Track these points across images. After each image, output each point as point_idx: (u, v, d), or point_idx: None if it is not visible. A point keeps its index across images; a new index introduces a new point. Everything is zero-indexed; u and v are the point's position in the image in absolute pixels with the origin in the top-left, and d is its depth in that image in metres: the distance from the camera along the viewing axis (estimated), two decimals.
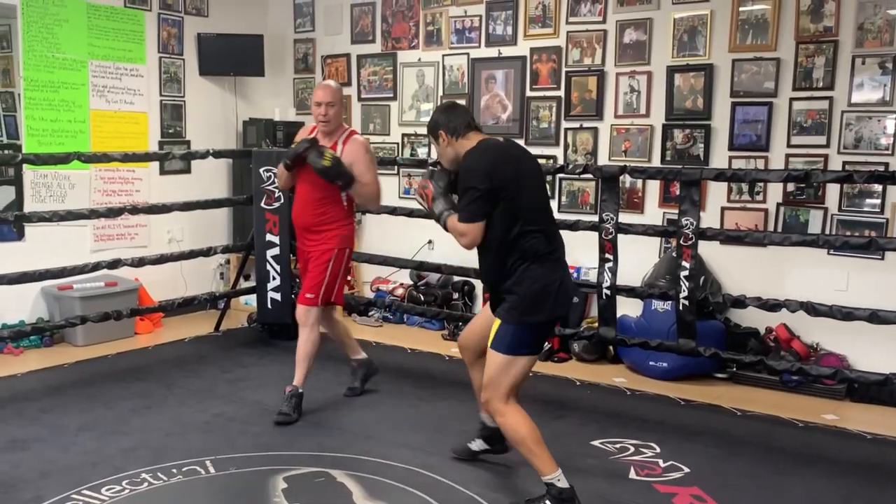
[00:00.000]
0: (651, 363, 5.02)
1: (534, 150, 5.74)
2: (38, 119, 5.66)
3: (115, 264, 5.09)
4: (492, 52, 6.04)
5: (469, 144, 3.20)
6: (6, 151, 5.57)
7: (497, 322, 3.14)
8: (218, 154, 5.86)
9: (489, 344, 3.17)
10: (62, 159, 4.81)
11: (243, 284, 6.18)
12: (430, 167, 3.38)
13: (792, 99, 4.98)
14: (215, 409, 4.37)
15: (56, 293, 5.52)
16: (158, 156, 5.96)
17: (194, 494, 3.41)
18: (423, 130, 6.30)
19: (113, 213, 5.18)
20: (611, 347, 5.33)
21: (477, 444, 3.71)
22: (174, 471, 3.52)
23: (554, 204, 5.67)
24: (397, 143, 6.55)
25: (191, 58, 6.54)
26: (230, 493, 3.45)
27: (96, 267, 5.00)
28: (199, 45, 6.54)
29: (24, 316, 5.53)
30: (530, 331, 3.14)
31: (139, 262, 5.26)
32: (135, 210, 5.36)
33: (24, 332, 4.96)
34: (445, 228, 3.23)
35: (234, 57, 6.58)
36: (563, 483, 3.11)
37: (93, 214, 5.15)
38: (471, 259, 5.49)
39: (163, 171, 6.38)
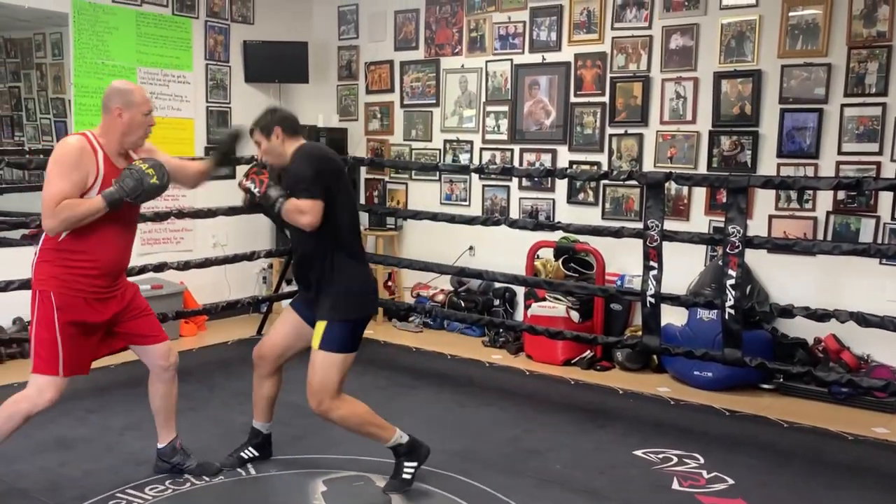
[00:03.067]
0: (696, 373, 4.94)
1: (577, 157, 5.84)
2: (88, 125, 5.75)
3: (161, 268, 5.15)
4: (535, 58, 6.01)
5: (298, 144, 3.33)
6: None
7: (323, 323, 3.21)
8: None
9: (316, 346, 3.22)
10: None
11: (285, 288, 6.22)
12: (258, 162, 3.38)
13: (843, 105, 4.87)
14: None
15: None
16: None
17: (235, 496, 3.43)
18: (466, 137, 6.34)
19: (160, 217, 5.26)
20: (654, 357, 5.25)
21: (248, 453, 3.67)
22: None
23: (597, 211, 5.71)
24: (439, 150, 6.55)
25: (236, 65, 6.62)
26: (271, 496, 3.46)
27: (143, 270, 5.07)
28: (244, 53, 6.62)
29: None
30: (359, 326, 3.30)
31: (184, 266, 5.32)
32: (181, 214, 5.43)
33: None
34: (279, 214, 3.20)
35: (278, 64, 6.65)
36: (404, 437, 3.40)
37: (140, 218, 5.21)
38: (512, 265, 5.54)
39: (209, 177, 6.43)
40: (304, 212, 3.13)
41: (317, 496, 3.37)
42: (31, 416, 3.08)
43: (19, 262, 4.14)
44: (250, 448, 3.64)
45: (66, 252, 3.03)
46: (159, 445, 3.50)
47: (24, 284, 4.48)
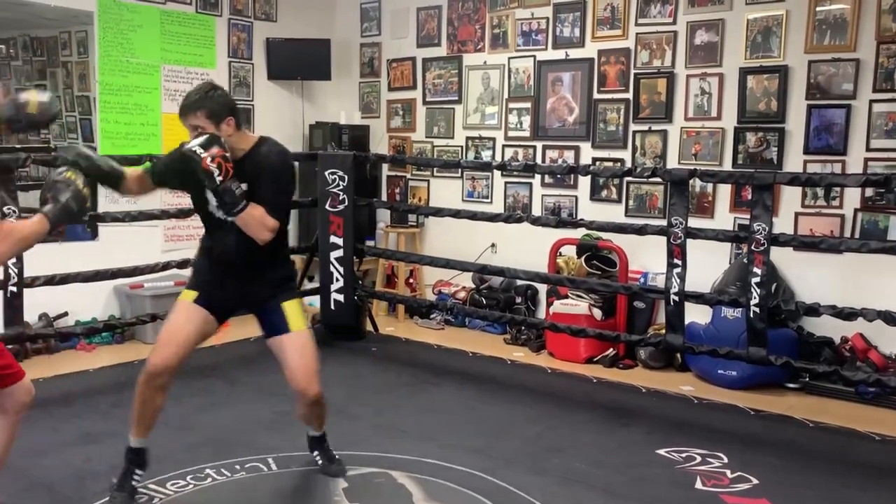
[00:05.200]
0: (720, 371, 4.89)
1: (601, 154, 5.80)
2: (113, 122, 5.82)
3: (184, 264, 5.16)
4: (559, 55, 5.98)
5: (248, 139, 3.06)
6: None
7: (289, 304, 3.12)
8: None
9: (295, 328, 3.09)
10: (135, 161, 4.90)
11: (307, 286, 6.24)
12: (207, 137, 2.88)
13: (872, 101, 4.80)
14: (278, 407, 4.39)
15: (128, 291, 5.66)
16: None
17: (256, 491, 3.43)
18: (489, 134, 6.32)
19: (183, 213, 5.29)
20: (678, 355, 5.20)
21: (137, 478, 3.24)
22: (237, 467, 3.55)
23: (621, 208, 5.67)
24: (461, 146, 6.53)
25: (260, 62, 6.64)
26: (292, 491, 3.45)
27: (166, 266, 5.10)
28: (267, 50, 6.64)
29: (96, 313, 5.68)
30: None
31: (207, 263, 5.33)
32: None
33: (97, 329, 5.09)
34: (232, 212, 2.90)
35: (301, 61, 6.66)
36: None
37: (164, 215, 5.28)
38: (535, 263, 5.52)
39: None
40: (269, 228, 2.94)
41: (338, 493, 3.36)
42: None
43: (45, 258, 4.19)
44: (137, 472, 3.20)
45: None
46: None
47: (48, 280, 4.54)
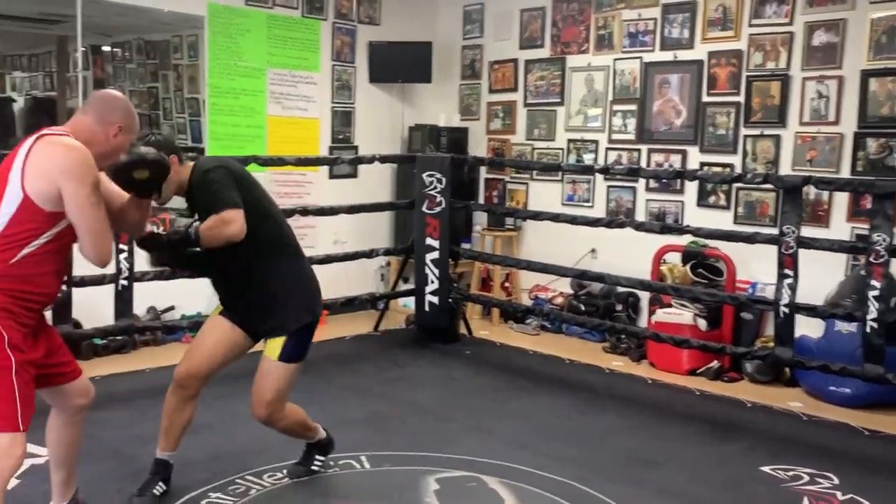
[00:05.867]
0: (832, 388, 4.63)
1: (709, 158, 5.61)
2: (221, 124, 5.98)
3: None
4: (667, 56, 5.81)
5: (187, 169, 3.02)
6: (190, 154, 5.90)
7: (281, 339, 3.07)
8: (383, 159, 6.00)
9: (276, 357, 3.06)
10: (241, 162, 5.02)
11: (402, 287, 6.26)
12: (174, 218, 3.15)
13: None
14: (372, 406, 4.42)
15: None
16: (328, 160, 6.16)
17: (349, 487, 3.45)
18: (591, 137, 6.20)
19: (285, 214, 5.36)
20: (787, 369, 4.96)
21: (159, 488, 3.21)
22: (331, 463, 3.57)
23: (729, 215, 5.46)
24: (562, 149, 6.43)
25: (362, 65, 6.72)
26: (383, 489, 3.44)
27: None
28: (370, 53, 6.70)
29: (201, 308, 5.82)
30: (313, 328, 3.21)
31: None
32: (305, 212, 5.54)
33: (201, 323, 5.18)
34: (196, 242, 2.88)
35: (402, 64, 6.70)
36: (323, 434, 3.46)
37: None
38: (637, 269, 5.36)
39: (332, 176, 6.57)
40: (229, 221, 2.85)
41: (429, 494, 3.33)
42: (3, 488, 2.41)
43: None
44: (161, 482, 3.20)
45: (14, 279, 2.40)
46: None
47: (157, 276, 4.68)
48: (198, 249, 2.98)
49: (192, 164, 3.05)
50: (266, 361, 3.10)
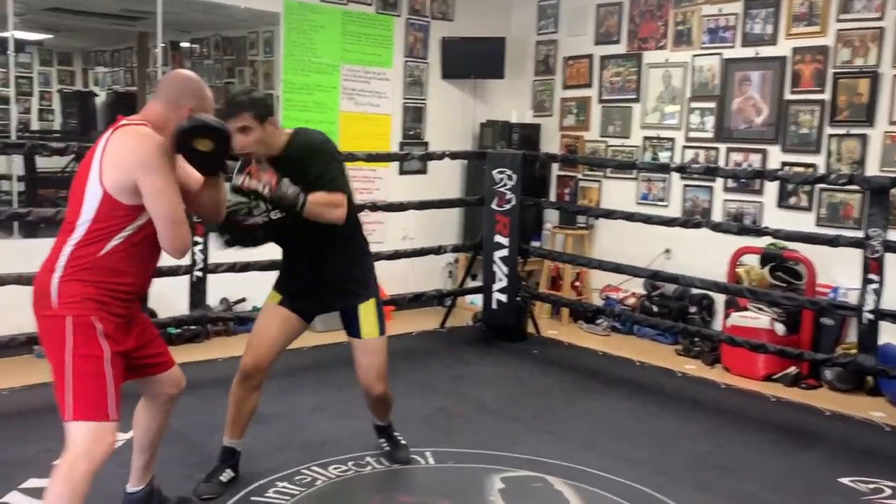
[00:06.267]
0: None
1: (790, 158, 5.41)
2: (294, 119, 6.03)
3: None
4: (748, 52, 5.63)
5: (285, 134, 3.00)
6: None
7: (364, 307, 3.16)
8: (454, 155, 5.97)
9: (367, 333, 3.17)
10: None
11: (470, 284, 6.22)
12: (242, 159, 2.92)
13: None
14: (437, 402, 4.40)
15: None
16: (399, 156, 6.17)
17: (413, 483, 3.44)
18: (668, 134, 6.06)
19: (356, 208, 5.38)
20: (869, 378, 4.75)
21: (227, 475, 3.24)
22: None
23: (811, 217, 5.27)
24: (637, 147, 6.30)
25: (434, 61, 6.71)
26: (447, 486, 3.41)
27: None
28: (442, 49, 6.69)
29: None
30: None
31: (375, 257, 5.39)
32: (374, 207, 5.56)
33: None
34: (299, 209, 2.86)
35: (475, 60, 6.66)
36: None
37: None
38: (712, 271, 5.22)
39: (402, 171, 6.58)
40: (338, 204, 2.90)
41: (493, 493, 3.29)
42: (94, 473, 2.40)
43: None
44: (228, 469, 3.25)
45: (104, 270, 2.43)
46: (133, 488, 2.90)
47: (230, 268, 4.75)
48: (281, 215, 2.97)
49: (286, 130, 3.04)
50: (367, 342, 3.20)
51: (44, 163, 6.31)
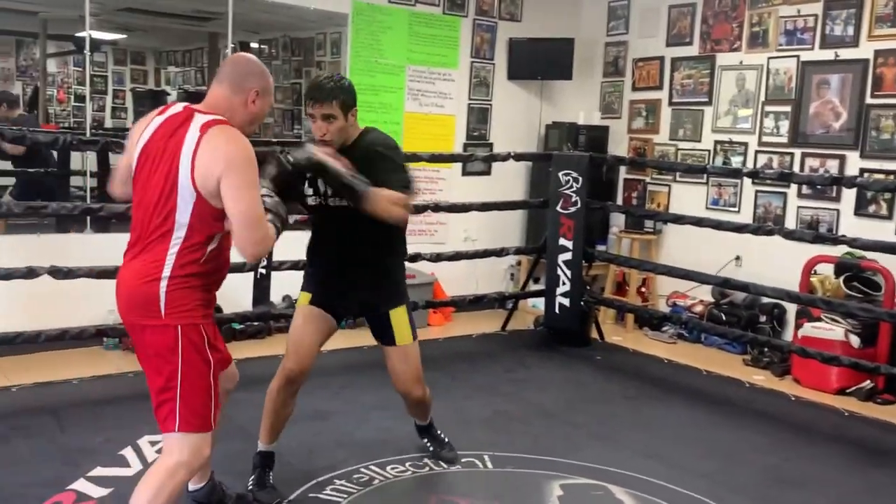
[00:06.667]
0: None
1: (870, 164, 5.21)
2: (359, 120, 5.99)
3: (414, 258, 5.26)
4: (827, 55, 5.43)
5: (357, 129, 3.00)
6: None
7: (395, 314, 3.13)
8: (518, 157, 5.92)
9: (402, 339, 3.14)
10: None
11: (532, 287, 6.15)
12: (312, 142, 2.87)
13: None
14: (497, 405, 4.34)
15: None
16: (462, 157, 6.14)
17: (471, 486, 3.39)
18: (740, 138, 5.91)
19: (418, 209, 5.39)
20: None
21: (270, 478, 3.19)
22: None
23: (890, 226, 5.06)
24: (708, 151, 6.14)
25: (501, 62, 6.66)
26: (506, 491, 3.36)
27: (414, 258, 5.18)
28: (509, 50, 6.64)
29: None
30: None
31: (436, 258, 5.41)
32: (437, 208, 5.54)
33: None
34: (363, 203, 2.76)
35: (542, 61, 6.59)
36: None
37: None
38: (784, 280, 5.05)
39: (465, 172, 6.55)
40: (405, 204, 2.85)
41: (552, 499, 3.23)
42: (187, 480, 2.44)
43: (292, 244, 4.39)
44: (270, 473, 3.21)
45: (207, 276, 2.41)
46: (194, 486, 2.89)
47: (293, 265, 4.77)
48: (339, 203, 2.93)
49: (361, 126, 3.04)
50: (403, 348, 3.17)
51: (116, 159, 6.47)
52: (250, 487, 3.12)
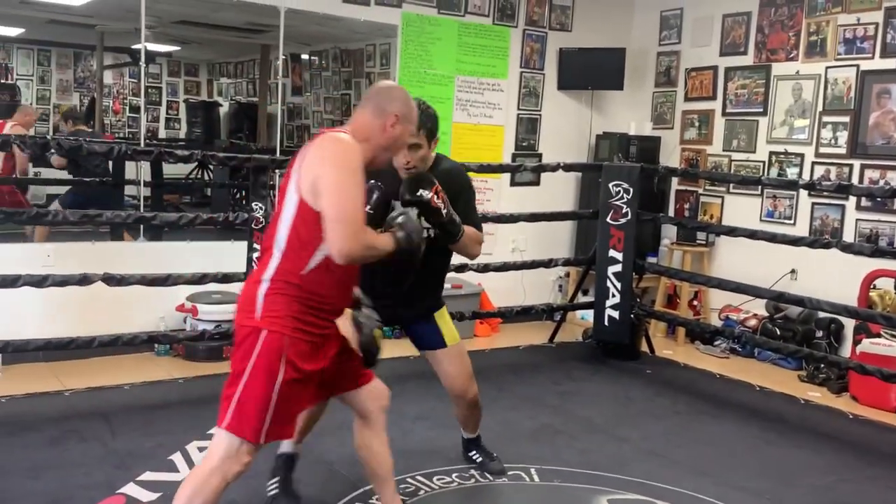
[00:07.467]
0: None
1: None
2: None
3: (461, 268, 5.24)
4: (888, 64, 5.29)
5: (431, 157, 3.06)
6: None
7: (439, 315, 3.17)
8: (568, 167, 5.87)
9: (451, 340, 3.18)
10: None
11: (581, 299, 6.08)
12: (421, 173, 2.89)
13: None
14: (544, 418, 4.30)
15: None
16: (511, 168, 6.10)
17: (517, 499, 3.37)
18: (797, 149, 5.80)
19: None
20: None
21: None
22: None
23: None
24: (763, 162, 6.01)
25: (550, 72, 6.62)
26: None
27: (460, 269, 5.17)
28: (559, 60, 6.60)
29: None
30: None
31: (483, 268, 5.38)
32: (485, 219, 5.44)
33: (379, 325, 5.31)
34: (456, 241, 2.93)
35: (593, 71, 6.54)
36: None
37: None
38: (842, 294, 4.92)
39: (513, 183, 6.52)
40: (481, 242, 3.03)
41: None
42: (226, 487, 2.37)
43: None
44: (291, 478, 3.18)
45: (309, 287, 2.37)
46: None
47: None
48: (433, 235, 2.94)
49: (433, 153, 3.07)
50: (452, 348, 3.20)
51: (169, 169, 6.60)
52: (274, 492, 3.11)
